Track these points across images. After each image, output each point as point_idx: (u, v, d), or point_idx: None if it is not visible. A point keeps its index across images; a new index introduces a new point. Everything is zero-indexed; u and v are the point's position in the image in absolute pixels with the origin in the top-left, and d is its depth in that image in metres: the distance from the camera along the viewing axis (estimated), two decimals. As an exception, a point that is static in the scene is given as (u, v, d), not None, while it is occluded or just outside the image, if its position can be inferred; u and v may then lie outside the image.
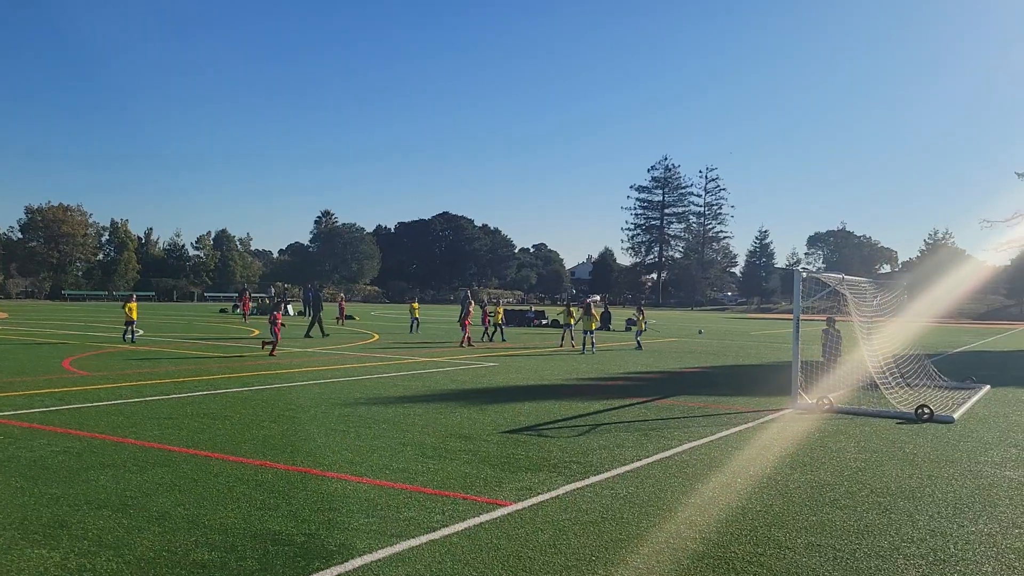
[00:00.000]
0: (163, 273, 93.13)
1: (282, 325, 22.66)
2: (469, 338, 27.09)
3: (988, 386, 17.22)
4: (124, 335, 25.04)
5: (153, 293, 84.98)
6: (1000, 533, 6.52)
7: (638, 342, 28.35)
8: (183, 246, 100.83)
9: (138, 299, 27.95)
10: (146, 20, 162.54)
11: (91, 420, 10.62)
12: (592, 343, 25.43)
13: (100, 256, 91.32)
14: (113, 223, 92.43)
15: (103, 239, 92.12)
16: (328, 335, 29.37)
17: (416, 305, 35.65)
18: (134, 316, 25.08)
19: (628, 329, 40.74)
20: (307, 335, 29.16)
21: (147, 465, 8.10)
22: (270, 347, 21.82)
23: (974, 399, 15.05)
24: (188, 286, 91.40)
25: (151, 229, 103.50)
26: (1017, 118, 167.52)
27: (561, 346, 27.39)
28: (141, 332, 25.43)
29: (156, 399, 12.75)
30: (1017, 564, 5.77)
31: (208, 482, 7.47)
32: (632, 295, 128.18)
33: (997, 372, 21.55)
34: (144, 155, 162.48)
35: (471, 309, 27.88)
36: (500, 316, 30.65)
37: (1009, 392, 16.83)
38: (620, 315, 50.00)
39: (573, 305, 29.41)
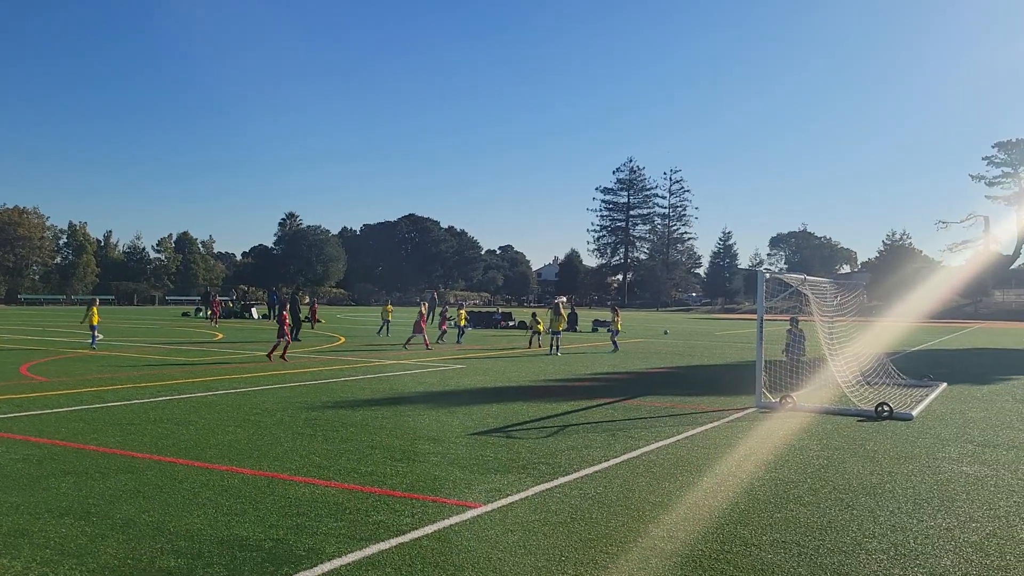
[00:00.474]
0: (123, 276, 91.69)
1: (291, 326, 21.86)
2: (411, 340, 27.31)
3: (945, 384, 17.59)
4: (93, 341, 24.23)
5: (113, 297, 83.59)
6: (958, 527, 6.68)
7: (615, 343, 27.76)
8: (144, 249, 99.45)
9: (98, 303, 27.39)
10: (102, 16, 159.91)
11: (51, 427, 10.44)
12: (558, 345, 25.56)
13: (58, 259, 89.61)
14: (71, 225, 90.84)
15: (61, 242, 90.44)
16: (299, 340, 29.11)
17: (390, 308, 35.38)
18: (94, 321, 24.57)
19: (595, 330, 41.00)
20: (295, 338, 29.02)
21: (110, 472, 7.99)
22: (281, 351, 21.16)
23: (931, 397, 15.36)
24: (149, 290, 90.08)
25: (110, 232, 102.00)
26: (972, 122, 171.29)
27: (529, 347, 27.48)
28: (101, 337, 24.98)
29: (118, 404, 12.56)
30: (974, 557, 5.92)
31: (173, 488, 7.39)
32: (598, 296, 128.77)
33: (953, 370, 22.00)
34: (103, 156, 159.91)
35: (424, 311, 28.08)
36: (463, 319, 30.87)
37: (965, 389, 17.20)
38: (586, 316, 50.24)
39: (547, 309, 29.02)
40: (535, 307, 28.81)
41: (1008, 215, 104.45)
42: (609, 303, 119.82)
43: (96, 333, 24.41)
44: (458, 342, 29.46)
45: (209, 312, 43.93)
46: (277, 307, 22.00)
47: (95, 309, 24.89)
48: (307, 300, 44.65)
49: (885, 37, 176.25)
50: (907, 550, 6.05)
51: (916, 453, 9.86)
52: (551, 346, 25.62)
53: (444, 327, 31.04)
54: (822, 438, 10.81)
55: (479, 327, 42.50)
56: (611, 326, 28.51)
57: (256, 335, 32.60)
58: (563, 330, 26.45)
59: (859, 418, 12.62)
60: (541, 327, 28.21)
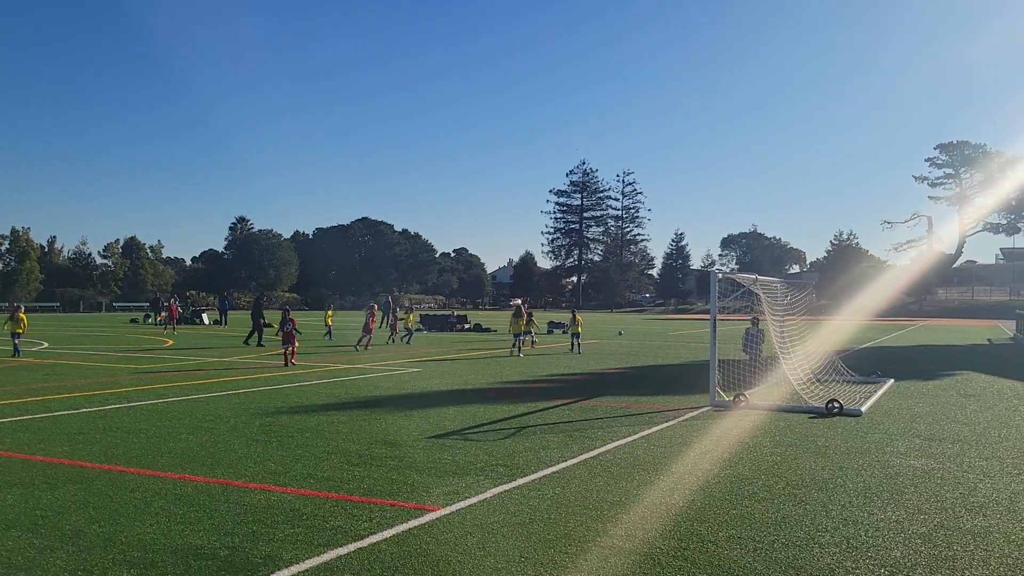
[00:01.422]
0: (68, 283, 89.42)
1: (297, 332, 21.92)
2: (361, 341, 27.51)
3: (892, 380, 18.00)
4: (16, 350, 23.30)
5: (58, 304, 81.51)
6: (907, 519, 6.84)
7: (578, 344, 27.37)
8: (89, 254, 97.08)
9: (41, 310, 26.68)
10: (44, 20, 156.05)
11: (-5, 438, 10.15)
12: (518, 346, 25.97)
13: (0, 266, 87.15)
14: (14, 231, 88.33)
15: (2, 248, 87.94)
16: (263, 346, 28.65)
17: (331, 313, 35.06)
18: (21, 328, 23.78)
19: (550, 332, 41.11)
20: (259, 343, 28.70)
21: (58, 482, 7.80)
22: (290, 355, 21.27)
23: (880, 393, 15.71)
24: (96, 296, 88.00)
25: (54, 237, 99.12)
26: (915, 124, 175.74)
27: (519, 352, 26.75)
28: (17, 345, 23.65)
29: (65, 413, 12.26)
30: (923, 548, 6.07)
31: (124, 498, 7.24)
32: (553, 298, 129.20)
33: (900, 366, 22.53)
34: (47, 161, 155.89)
35: (375, 313, 28.56)
36: (410, 321, 31.79)
37: (911, 385, 17.63)
38: (542, 318, 50.34)
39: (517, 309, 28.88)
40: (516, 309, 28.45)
41: (950, 215, 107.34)
42: (558, 304, 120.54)
43: (17, 342, 23.48)
44: (408, 343, 29.98)
45: (165, 316, 42.83)
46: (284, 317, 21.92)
47: (23, 316, 24.18)
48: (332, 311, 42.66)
49: (831, 42, 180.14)
50: (859, 543, 6.18)
51: (866, 448, 10.08)
52: (514, 346, 25.97)
53: (395, 328, 31.75)
54: (775, 435, 10.99)
55: (434, 330, 42.37)
56: (568, 328, 28.50)
57: (207, 341, 32.07)
58: (524, 332, 26.78)
59: (810, 415, 12.86)
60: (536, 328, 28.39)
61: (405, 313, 33.14)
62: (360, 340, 27.80)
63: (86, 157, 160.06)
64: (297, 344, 22.04)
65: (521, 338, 26.20)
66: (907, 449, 10.05)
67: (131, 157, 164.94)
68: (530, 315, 29.87)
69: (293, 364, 20.96)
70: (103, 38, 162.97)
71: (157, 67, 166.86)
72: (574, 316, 28.42)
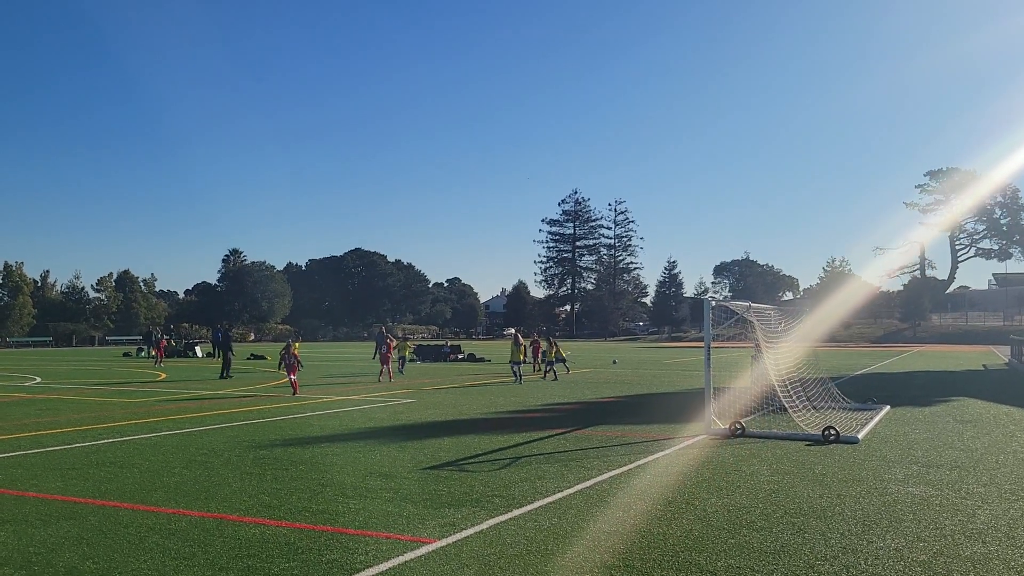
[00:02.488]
0: (61, 317, 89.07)
1: (300, 365, 22.72)
2: (388, 372, 27.21)
3: (888, 406, 17.99)
4: None
5: (50, 338, 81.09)
6: (907, 547, 6.82)
7: (549, 371, 28.33)
8: (83, 288, 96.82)
9: (34, 345, 26.63)
10: (38, 55, 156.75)
11: (-13, 474, 10.06)
12: (519, 375, 26.57)
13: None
14: (7, 266, 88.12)
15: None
16: (232, 377, 28.51)
17: (297, 344, 35.08)
18: None
19: (562, 361, 40.96)
20: (225, 376, 28.58)
21: (51, 519, 7.72)
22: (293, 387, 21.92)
23: (876, 419, 15.69)
24: (88, 330, 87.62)
25: (48, 271, 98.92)
26: (904, 149, 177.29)
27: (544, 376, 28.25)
28: None
29: (58, 449, 12.16)
30: None
31: (118, 533, 7.17)
32: (547, 327, 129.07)
33: (895, 393, 22.53)
34: (40, 195, 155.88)
35: (390, 343, 28.27)
36: (408, 351, 32.67)
37: (907, 411, 17.62)
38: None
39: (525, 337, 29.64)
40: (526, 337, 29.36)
41: (942, 241, 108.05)
42: (558, 334, 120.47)
43: None
44: (401, 373, 30.22)
45: (153, 352, 42.67)
46: (282, 354, 22.32)
47: None
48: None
49: (820, 68, 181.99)
50: (858, 571, 6.14)
51: (863, 475, 10.05)
52: (516, 375, 26.54)
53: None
54: (772, 463, 10.96)
55: (428, 360, 42.25)
56: (547, 356, 29.02)
57: (200, 374, 31.92)
58: (523, 361, 27.37)
59: (807, 442, 12.83)
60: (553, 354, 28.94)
61: (401, 343, 33.39)
62: (382, 372, 27.31)
63: (79, 191, 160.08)
64: (294, 376, 22.17)
65: (518, 366, 26.55)
66: (905, 476, 10.03)
67: (124, 191, 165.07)
68: (535, 343, 30.44)
69: (295, 394, 21.39)
70: (93, 75, 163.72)
71: (148, 101, 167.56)
72: (550, 343, 29.05)
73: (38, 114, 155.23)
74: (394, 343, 29.41)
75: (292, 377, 21.97)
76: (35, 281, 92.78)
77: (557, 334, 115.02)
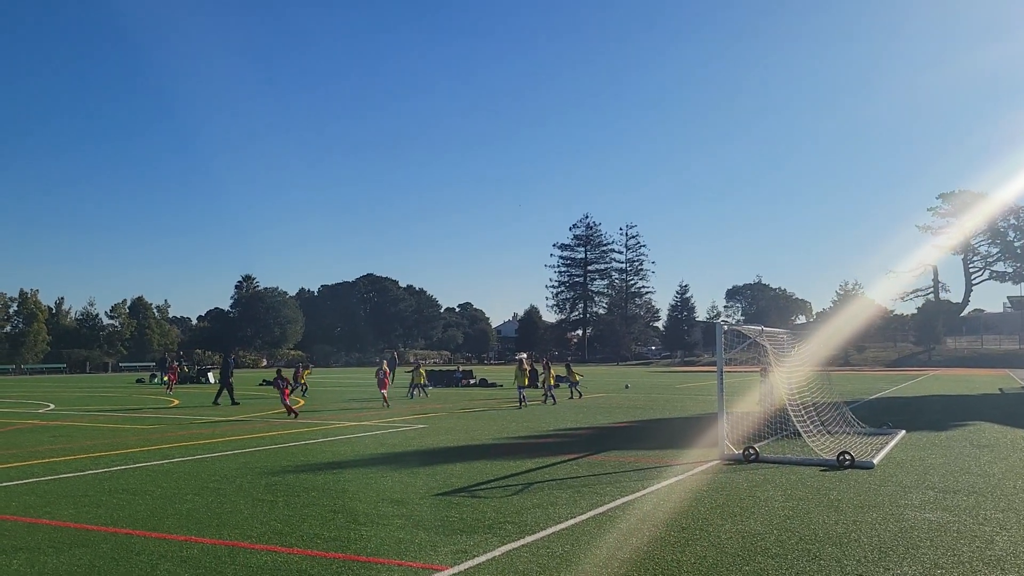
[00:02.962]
0: (75, 344, 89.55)
1: (291, 389, 23.85)
2: (385, 398, 27.31)
3: (903, 431, 17.84)
4: None
5: (64, 365, 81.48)
6: (924, 575, 6.73)
7: (553, 397, 28.97)
8: (97, 315, 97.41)
9: (48, 371, 26.91)
10: (50, 84, 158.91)
11: (1, 501, 10.08)
12: (522, 398, 26.99)
13: (7, 328, 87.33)
14: (22, 293, 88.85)
15: (11, 310, 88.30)
16: (238, 403, 28.38)
17: (308, 371, 35.65)
18: None
19: (556, 386, 40.90)
20: (217, 401, 28.51)
21: (64, 546, 7.73)
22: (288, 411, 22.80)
23: (891, 444, 15.55)
24: (102, 356, 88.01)
25: (62, 298, 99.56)
26: (916, 171, 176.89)
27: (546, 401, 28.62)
28: None
29: (71, 476, 12.19)
30: (941, 603, 5.96)
31: (130, 561, 7.17)
32: (558, 352, 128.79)
33: (911, 417, 22.33)
34: (56, 223, 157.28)
35: (387, 370, 28.41)
36: (422, 377, 33.28)
37: (923, 436, 17.45)
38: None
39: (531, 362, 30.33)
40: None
41: (955, 264, 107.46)
42: (569, 359, 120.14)
43: None
44: (411, 398, 31.37)
45: (165, 379, 42.80)
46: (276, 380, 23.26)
47: None
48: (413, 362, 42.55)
49: (830, 91, 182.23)
50: (875, 599, 6.06)
51: (879, 501, 9.95)
52: (521, 400, 27.02)
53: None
54: (786, 488, 10.87)
55: (440, 386, 42.21)
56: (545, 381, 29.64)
57: (201, 399, 31.94)
58: (527, 385, 28.22)
59: (822, 467, 12.73)
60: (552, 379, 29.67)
61: (415, 369, 34.12)
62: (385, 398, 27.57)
63: (94, 218, 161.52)
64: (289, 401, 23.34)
65: (523, 391, 27.29)
66: (921, 502, 9.93)
67: (138, 218, 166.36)
68: (533, 371, 30.76)
69: (294, 416, 22.34)
70: (108, 105, 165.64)
71: (163, 129, 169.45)
72: (545, 367, 29.82)
73: (54, 142, 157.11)
74: (409, 369, 30.17)
75: (286, 401, 23.09)
76: (50, 308, 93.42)
77: (570, 359, 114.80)
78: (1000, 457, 14.08)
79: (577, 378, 32.64)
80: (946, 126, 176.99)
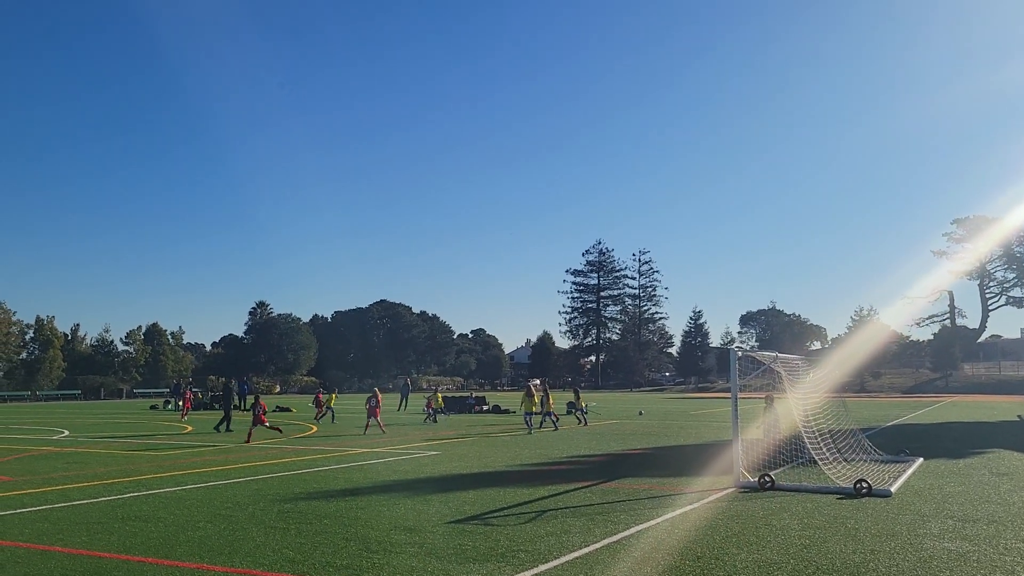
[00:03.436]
0: (90, 370, 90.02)
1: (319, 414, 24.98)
2: (375, 424, 27.41)
3: (921, 459, 17.63)
4: None
5: (79, 391, 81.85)
6: (944, 604, 6.62)
7: (554, 421, 29.09)
8: (112, 342, 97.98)
9: (63, 398, 27.19)
10: (67, 113, 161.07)
11: (14, 528, 10.10)
12: (530, 424, 27.55)
13: (24, 355, 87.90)
14: (39, 320, 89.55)
15: (27, 337, 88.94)
16: (232, 431, 28.22)
17: (333, 396, 36.05)
18: None
19: (569, 412, 40.76)
20: (219, 428, 28.45)
21: (76, 574, 7.72)
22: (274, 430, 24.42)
23: (909, 472, 15.37)
24: (117, 383, 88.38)
25: (78, 325, 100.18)
26: (932, 197, 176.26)
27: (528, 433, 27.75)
28: None
29: (84, 503, 12.20)
30: (962, 635, 5.85)
31: (142, 589, 7.14)
32: (572, 378, 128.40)
33: (928, 445, 22.07)
34: (71, 249, 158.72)
35: (380, 398, 28.84)
36: (439, 403, 34.68)
37: (941, 464, 17.24)
38: (561, 398, 49.99)
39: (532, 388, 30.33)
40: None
41: (971, 289, 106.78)
42: (583, 384, 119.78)
43: None
44: (433, 421, 32.46)
45: (180, 403, 42.85)
46: (249, 397, 23.59)
47: None
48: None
49: (843, 117, 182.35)
50: (894, 630, 5.97)
51: (897, 530, 9.82)
52: (528, 426, 27.51)
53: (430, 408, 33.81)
54: (803, 517, 10.75)
55: (453, 412, 42.09)
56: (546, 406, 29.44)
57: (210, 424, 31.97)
58: (536, 412, 28.22)
59: (838, 495, 12.58)
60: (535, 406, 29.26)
61: (433, 394, 35.26)
62: (370, 424, 27.71)
63: (110, 246, 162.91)
64: (261, 425, 24.37)
65: (531, 417, 27.64)
66: (940, 531, 9.79)
67: (154, 245, 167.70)
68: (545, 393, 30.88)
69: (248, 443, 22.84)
70: (127, 129, 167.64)
71: (179, 157, 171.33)
72: (528, 391, 28.87)
73: (70, 172, 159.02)
74: (427, 394, 31.20)
75: (264, 424, 24.38)
76: (66, 335, 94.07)
77: (583, 385, 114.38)
78: (1020, 486, 13.88)
79: (583, 404, 32.82)
80: (960, 150, 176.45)
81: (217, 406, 50.40)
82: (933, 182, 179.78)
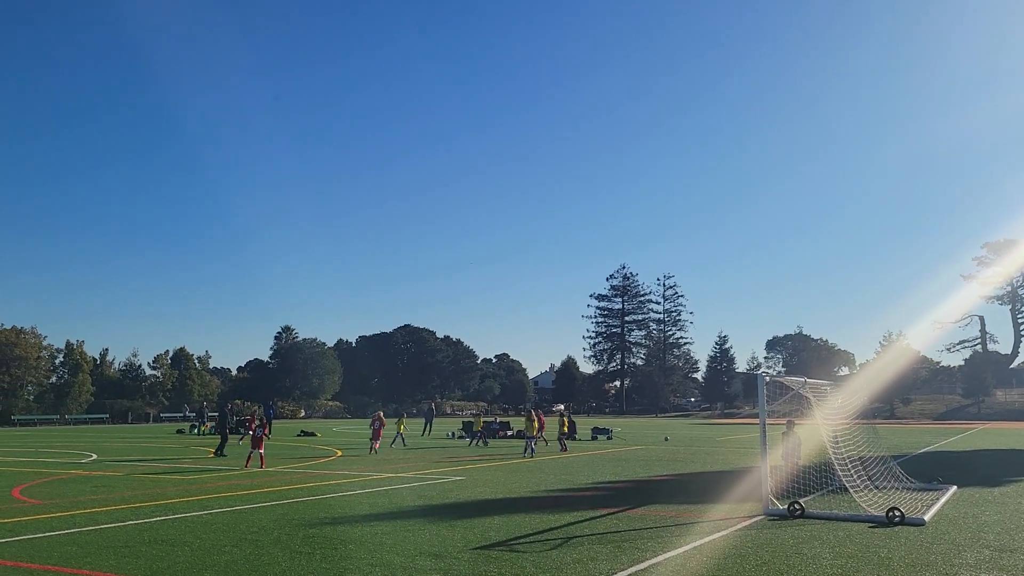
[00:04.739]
0: (118, 394, 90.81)
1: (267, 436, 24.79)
2: (375, 448, 29.24)
3: (955, 487, 17.29)
4: None
5: (107, 415, 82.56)
6: (982, 637, 6.45)
7: (531, 448, 29.30)
8: (139, 366, 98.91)
9: (91, 422, 27.62)
10: (96, 138, 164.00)
11: (43, 551, 10.15)
12: (531, 448, 28.68)
13: (53, 379, 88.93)
14: (68, 344, 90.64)
15: (57, 361, 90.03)
16: (225, 456, 28.22)
17: (403, 420, 36.58)
18: None
19: (594, 438, 40.55)
20: (220, 453, 28.50)
21: (103, 597, 7.73)
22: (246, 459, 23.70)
23: (942, 500, 15.08)
24: (144, 407, 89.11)
25: (107, 349, 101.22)
26: (962, 220, 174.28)
27: (524, 456, 27.95)
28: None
29: (111, 526, 12.26)
30: (1002, 669, 5.70)
31: (168, 613, 7.14)
32: (596, 403, 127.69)
33: (962, 472, 21.67)
34: (101, 275, 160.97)
35: (383, 421, 30.68)
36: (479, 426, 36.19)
37: (976, 492, 16.90)
38: (585, 423, 49.73)
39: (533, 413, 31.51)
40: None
41: (1003, 313, 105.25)
42: (608, 410, 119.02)
43: None
44: (482, 444, 33.61)
45: (211, 427, 42.64)
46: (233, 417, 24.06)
47: None
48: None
49: (869, 140, 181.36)
50: (931, 663, 5.82)
51: (932, 560, 9.61)
52: (526, 448, 28.79)
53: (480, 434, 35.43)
54: (834, 546, 10.55)
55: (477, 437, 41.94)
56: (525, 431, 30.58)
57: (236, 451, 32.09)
58: (536, 435, 29.84)
59: (870, 524, 12.36)
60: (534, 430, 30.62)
61: (478, 419, 37.35)
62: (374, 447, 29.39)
63: (138, 271, 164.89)
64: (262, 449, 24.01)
65: (531, 440, 29.17)
66: (976, 561, 9.56)
67: (181, 270, 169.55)
68: (572, 423, 31.08)
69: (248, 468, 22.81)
70: (149, 164, 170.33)
71: (205, 182, 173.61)
72: (530, 415, 30.37)
73: (96, 197, 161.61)
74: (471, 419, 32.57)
75: (255, 451, 23.72)
76: (94, 359, 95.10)
77: (607, 410, 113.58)
78: (1058, 514, 13.56)
79: (566, 429, 33.00)
80: (990, 172, 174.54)
81: (242, 430, 50.66)
82: (963, 205, 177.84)
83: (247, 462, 23.47)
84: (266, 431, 23.99)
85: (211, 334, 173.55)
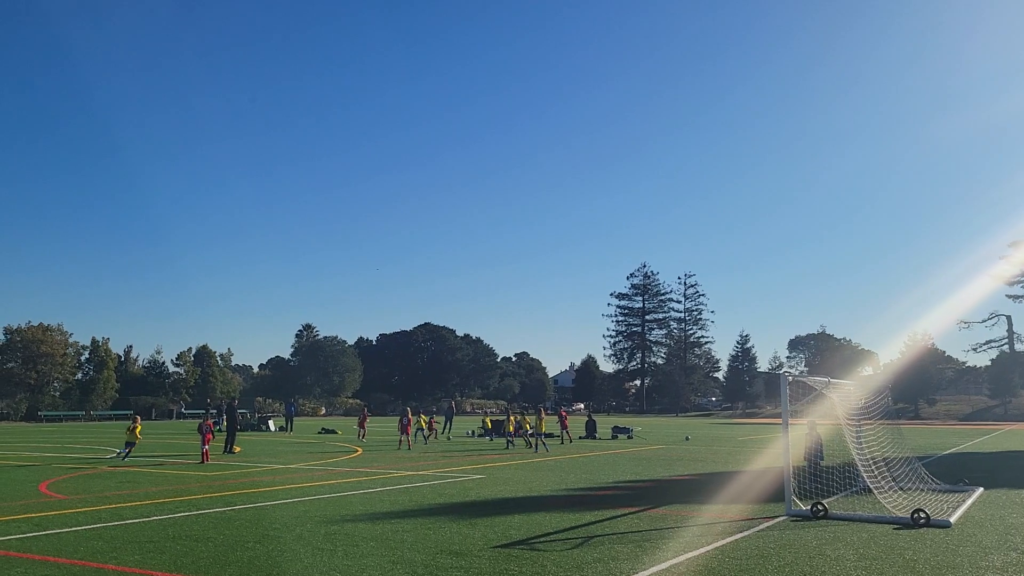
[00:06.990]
0: (142, 391, 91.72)
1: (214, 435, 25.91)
2: (406, 443, 31.06)
3: (981, 488, 17.09)
4: (124, 455, 25.61)
5: (132, 411, 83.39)
6: (1010, 641, 6.37)
7: (541, 444, 30.55)
8: (163, 363, 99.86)
9: (116, 418, 28.23)
10: (118, 132, 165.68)
11: (70, 546, 10.27)
12: (541, 444, 30.02)
13: (79, 375, 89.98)
14: (94, 341, 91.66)
15: (82, 358, 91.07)
16: (232, 453, 28.41)
17: (424, 418, 36.99)
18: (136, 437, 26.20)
19: (615, 437, 40.45)
20: (228, 451, 28.64)
21: (128, 592, 7.81)
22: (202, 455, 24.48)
23: (968, 502, 14.90)
24: (167, 404, 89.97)
25: (131, 347, 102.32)
26: (989, 219, 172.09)
27: (536, 451, 29.43)
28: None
29: (136, 522, 12.38)
30: (1031, 674, 5.62)
31: (192, 609, 7.19)
32: (616, 402, 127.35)
33: (988, 474, 21.41)
34: (126, 272, 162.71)
35: (411, 418, 32.36)
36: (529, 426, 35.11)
37: (1003, 494, 16.69)
38: (605, 423, 49.62)
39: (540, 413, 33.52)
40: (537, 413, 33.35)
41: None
42: (628, 409, 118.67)
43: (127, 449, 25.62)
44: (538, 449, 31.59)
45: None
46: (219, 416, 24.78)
47: (139, 426, 27.02)
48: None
49: (894, 138, 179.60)
50: (958, 667, 5.75)
51: (958, 563, 9.50)
52: (535, 446, 30.02)
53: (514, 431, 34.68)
54: (858, 547, 10.46)
55: (497, 436, 41.97)
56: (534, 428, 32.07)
57: (273, 448, 32.34)
58: (544, 433, 31.54)
59: (895, 526, 12.23)
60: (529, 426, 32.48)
61: (521, 417, 36.20)
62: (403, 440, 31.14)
63: (163, 269, 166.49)
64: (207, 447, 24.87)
65: (537, 437, 30.57)
66: (1004, 564, 9.44)
67: (204, 267, 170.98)
68: (592, 422, 31.18)
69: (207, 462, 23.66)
70: (171, 162, 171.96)
71: (227, 181, 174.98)
72: (540, 414, 32.81)
73: (121, 197, 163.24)
74: (446, 416, 33.37)
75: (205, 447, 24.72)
76: (119, 356, 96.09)
77: (627, 409, 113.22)
78: (1087, 517, 13.36)
79: (544, 428, 33.21)
80: (1015, 170, 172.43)
81: (264, 427, 51.04)
82: (988, 203, 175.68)
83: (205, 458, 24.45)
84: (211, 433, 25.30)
85: (233, 331, 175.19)
